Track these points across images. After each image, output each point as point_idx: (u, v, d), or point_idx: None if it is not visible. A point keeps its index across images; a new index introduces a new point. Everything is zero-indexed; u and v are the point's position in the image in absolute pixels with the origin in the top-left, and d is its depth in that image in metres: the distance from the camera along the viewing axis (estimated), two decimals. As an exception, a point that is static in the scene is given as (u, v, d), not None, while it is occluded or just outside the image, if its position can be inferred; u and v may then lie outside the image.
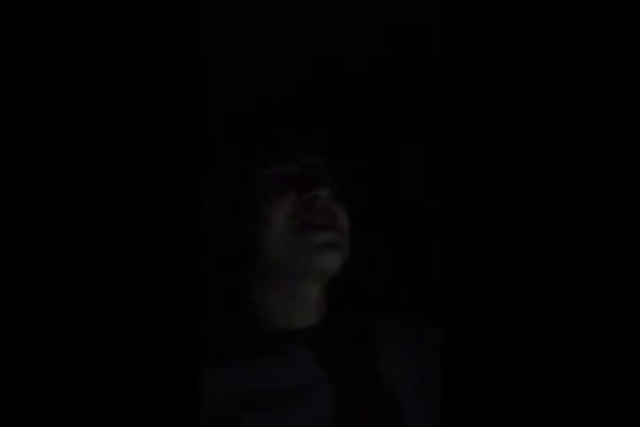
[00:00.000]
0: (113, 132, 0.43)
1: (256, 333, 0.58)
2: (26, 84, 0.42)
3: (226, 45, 0.74)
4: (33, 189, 0.42)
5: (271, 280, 0.60)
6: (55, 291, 0.41)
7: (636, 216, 0.41)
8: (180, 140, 0.44)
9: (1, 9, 0.42)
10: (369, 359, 0.60)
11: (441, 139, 0.45)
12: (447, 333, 0.43)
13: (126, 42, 0.44)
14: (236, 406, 0.53)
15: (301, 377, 0.55)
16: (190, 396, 0.42)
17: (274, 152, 0.61)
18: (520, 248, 0.42)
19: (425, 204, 0.81)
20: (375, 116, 0.83)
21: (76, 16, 0.43)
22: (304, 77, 0.81)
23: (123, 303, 0.42)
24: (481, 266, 0.42)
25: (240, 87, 0.79)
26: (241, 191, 0.61)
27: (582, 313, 0.41)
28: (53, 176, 0.42)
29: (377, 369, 0.59)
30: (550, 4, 0.43)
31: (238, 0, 0.70)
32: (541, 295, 0.41)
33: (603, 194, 0.41)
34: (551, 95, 0.42)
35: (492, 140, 0.43)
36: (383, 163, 0.84)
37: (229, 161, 0.62)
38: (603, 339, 0.40)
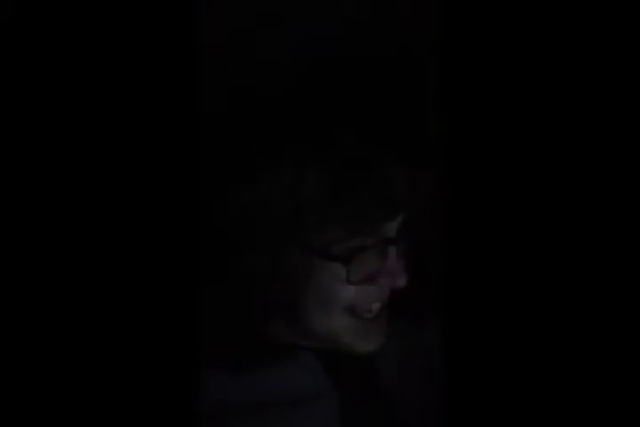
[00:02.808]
0: (111, 134, 0.43)
1: (266, 340, 0.58)
2: (25, 83, 0.42)
3: (226, 47, 0.74)
4: (34, 191, 0.42)
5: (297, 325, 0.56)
6: (57, 293, 0.41)
7: (637, 216, 0.41)
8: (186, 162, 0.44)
9: (1, 9, 0.42)
10: (371, 363, 0.60)
11: (441, 139, 0.45)
12: (447, 334, 0.43)
13: (126, 42, 0.44)
14: (244, 412, 0.52)
15: (308, 385, 0.55)
16: (198, 401, 0.42)
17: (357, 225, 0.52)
18: (520, 248, 0.42)
19: (425, 202, 0.80)
20: (375, 116, 0.83)
21: (76, 15, 0.43)
22: (305, 77, 0.81)
23: (126, 309, 0.42)
24: (481, 266, 0.42)
25: (240, 89, 0.79)
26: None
27: (582, 313, 0.41)
28: (53, 179, 0.42)
29: (378, 372, 0.59)
30: (550, 3, 0.43)
31: (238, 0, 0.70)
32: (541, 295, 0.41)
33: (602, 194, 0.41)
34: (551, 95, 0.42)
35: (491, 140, 0.43)
36: (383, 162, 0.83)
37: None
38: (603, 338, 0.40)
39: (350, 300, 0.53)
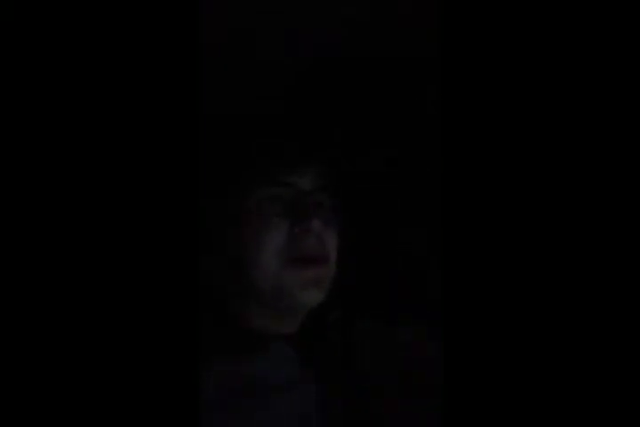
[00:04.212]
0: (111, 134, 0.43)
1: (241, 334, 0.59)
2: (25, 82, 0.42)
3: (226, 47, 0.74)
4: (32, 196, 0.42)
5: (257, 302, 0.60)
6: (60, 287, 0.41)
7: (636, 216, 0.41)
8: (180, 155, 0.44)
9: (1, 9, 0.42)
10: (352, 358, 0.60)
11: (441, 139, 0.45)
12: (446, 330, 0.43)
13: (126, 42, 0.44)
14: (221, 402, 0.53)
15: (285, 374, 0.56)
16: (186, 393, 0.42)
17: (268, 173, 0.60)
18: (520, 245, 0.42)
19: (424, 204, 0.81)
20: (374, 117, 0.83)
21: (76, 15, 0.43)
22: (305, 77, 0.81)
23: (133, 316, 0.42)
24: (480, 264, 0.42)
25: (240, 89, 0.79)
26: (233, 213, 0.60)
27: (582, 314, 0.41)
28: (53, 177, 0.42)
29: (360, 367, 0.60)
30: (550, 3, 0.43)
31: (238, 0, 0.70)
32: (541, 295, 0.41)
33: (602, 198, 0.41)
34: (551, 95, 0.42)
35: (491, 140, 0.43)
36: (383, 162, 0.84)
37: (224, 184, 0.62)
38: (603, 340, 0.40)
39: (278, 243, 0.58)
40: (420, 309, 0.68)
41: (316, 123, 0.81)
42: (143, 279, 0.42)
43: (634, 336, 0.40)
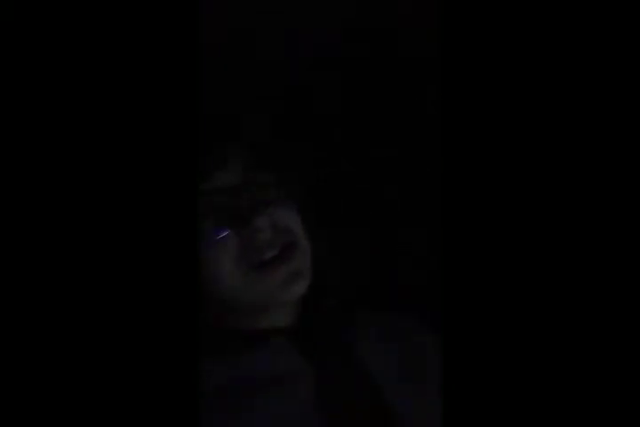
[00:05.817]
0: (111, 134, 0.43)
1: (240, 333, 0.59)
2: (26, 82, 0.42)
3: (226, 47, 0.74)
4: (31, 191, 0.42)
5: (240, 309, 0.59)
6: (59, 281, 0.41)
7: (636, 216, 0.41)
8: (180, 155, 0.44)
9: (1, 9, 0.42)
10: (351, 349, 0.60)
11: (441, 139, 0.45)
12: (446, 327, 0.43)
13: (126, 42, 0.44)
14: (221, 401, 0.53)
15: (285, 370, 0.56)
16: (186, 393, 0.42)
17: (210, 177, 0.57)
18: (521, 244, 0.42)
19: (424, 204, 0.81)
20: (374, 117, 0.84)
21: (76, 15, 0.43)
22: (305, 77, 0.81)
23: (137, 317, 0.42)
24: (481, 267, 0.42)
25: (240, 89, 0.79)
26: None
27: (581, 314, 0.41)
28: (54, 177, 0.42)
29: (360, 356, 0.59)
30: (550, 3, 0.43)
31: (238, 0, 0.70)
32: (542, 295, 0.41)
33: (602, 198, 0.41)
34: (551, 95, 0.43)
35: (492, 140, 0.43)
36: (382, 161, 0.84)
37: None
38: (602, 337, 0.40)
39: (230, 256, 0.55)
40: (420, 309, 0.68)
41: (316, 123, 0.81)
42: (141, 280, 0.42)
43: (634, 333, 0.40)
